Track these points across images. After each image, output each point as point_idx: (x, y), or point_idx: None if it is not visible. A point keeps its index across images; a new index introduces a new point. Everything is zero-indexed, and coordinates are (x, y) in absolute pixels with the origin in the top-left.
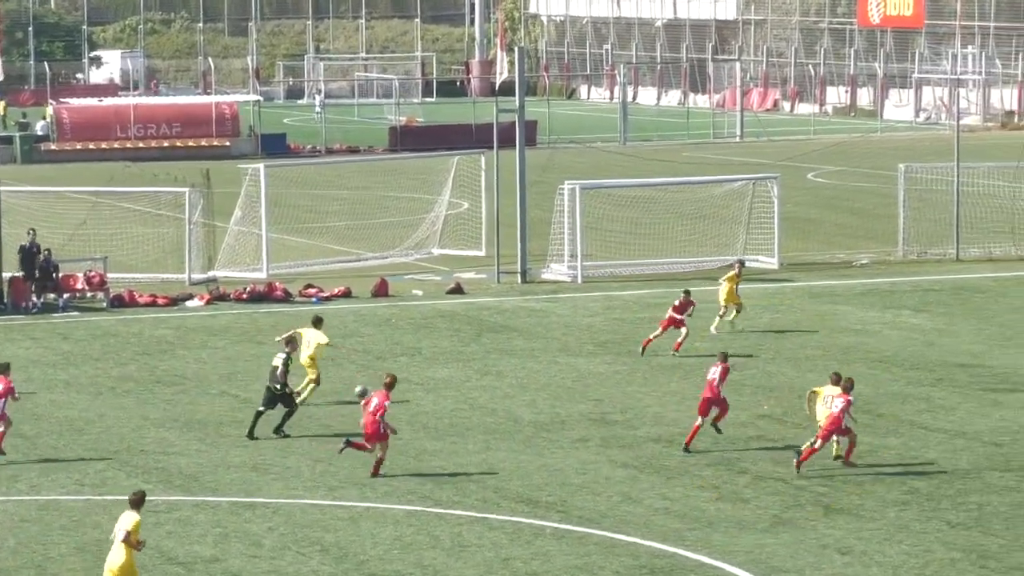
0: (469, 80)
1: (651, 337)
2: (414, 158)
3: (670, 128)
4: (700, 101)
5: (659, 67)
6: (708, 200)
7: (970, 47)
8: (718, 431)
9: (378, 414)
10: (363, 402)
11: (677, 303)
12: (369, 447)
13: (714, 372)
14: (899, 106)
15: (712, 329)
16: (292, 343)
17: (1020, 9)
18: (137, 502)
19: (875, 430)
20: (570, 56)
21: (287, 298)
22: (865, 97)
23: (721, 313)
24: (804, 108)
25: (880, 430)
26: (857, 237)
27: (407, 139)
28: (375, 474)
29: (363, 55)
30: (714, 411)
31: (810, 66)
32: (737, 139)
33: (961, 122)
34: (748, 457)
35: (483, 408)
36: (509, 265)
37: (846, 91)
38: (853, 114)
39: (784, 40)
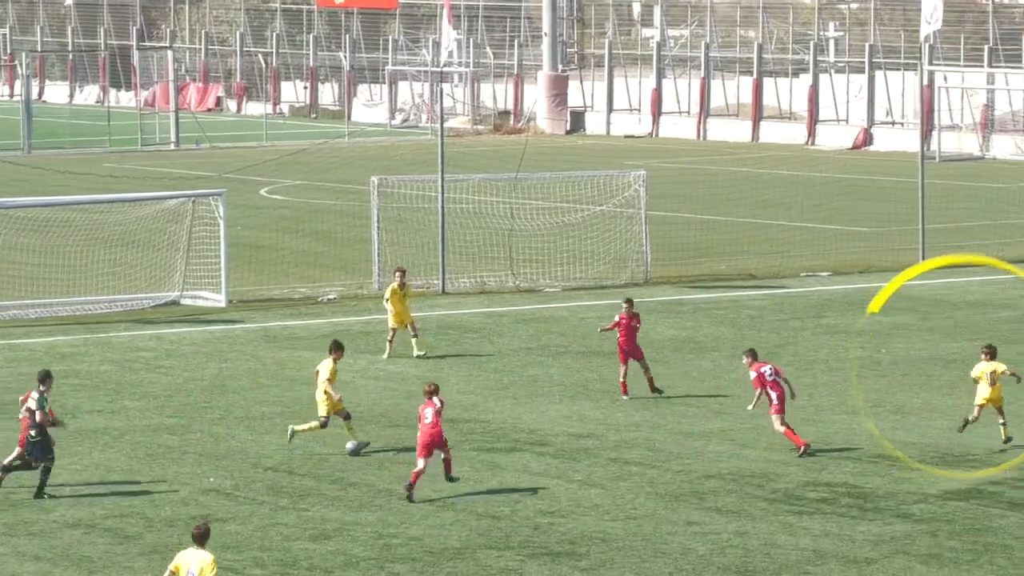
0: None
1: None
2: None
3: (87, 132)
4: (124, 99)
5: (71, 56)
6: (137, 222)
7: (455, 32)
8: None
9: (439, 417)
10: (420, 417)
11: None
12: (422, 466)
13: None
14: (370, 105)
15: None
16: (46, 380)
17: None
18: (202, 536)
19: (347, 502)
20: None
21: None
22: (329, 95)
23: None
24: (254, 108)
25: (352, 503)
26: (323, 266)
27: None
28: (450, 475)
29: None
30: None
31: (260, 56)
32: (172, 146)
33: (446, 125)
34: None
35: None
36: None
37: (305, 87)
38: (314, 115)
39: (227, 23)
